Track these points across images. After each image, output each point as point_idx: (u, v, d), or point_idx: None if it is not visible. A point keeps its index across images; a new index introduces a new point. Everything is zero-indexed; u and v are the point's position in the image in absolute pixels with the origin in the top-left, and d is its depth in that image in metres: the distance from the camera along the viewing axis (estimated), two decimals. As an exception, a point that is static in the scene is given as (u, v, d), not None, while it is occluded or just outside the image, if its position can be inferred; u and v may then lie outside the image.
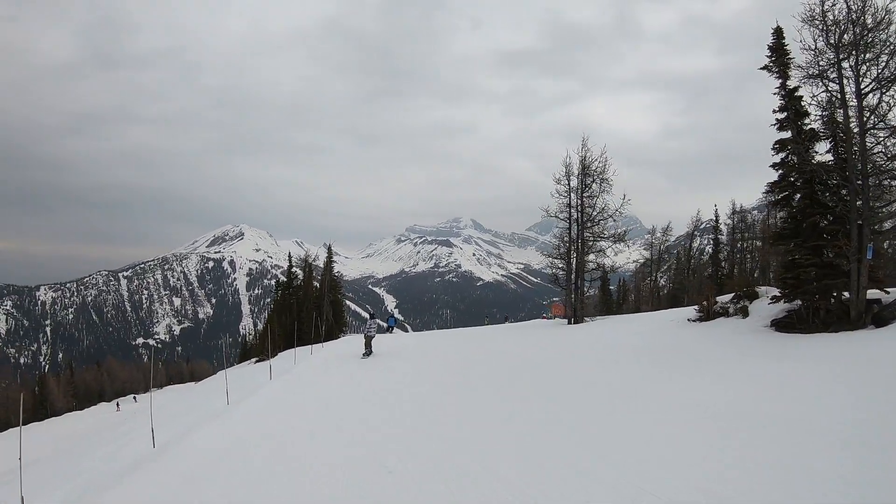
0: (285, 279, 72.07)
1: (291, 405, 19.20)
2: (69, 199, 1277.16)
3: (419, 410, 16.62)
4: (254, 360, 66.95)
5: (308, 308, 63.72)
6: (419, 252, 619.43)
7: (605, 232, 39.90)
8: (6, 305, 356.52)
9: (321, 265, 73.82)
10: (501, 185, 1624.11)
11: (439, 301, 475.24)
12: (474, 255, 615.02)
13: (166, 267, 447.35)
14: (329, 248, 74.71)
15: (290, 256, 74.97)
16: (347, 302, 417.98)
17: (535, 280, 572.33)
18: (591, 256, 40.13)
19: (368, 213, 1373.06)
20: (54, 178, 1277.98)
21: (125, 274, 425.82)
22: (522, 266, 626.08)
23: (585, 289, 41.26)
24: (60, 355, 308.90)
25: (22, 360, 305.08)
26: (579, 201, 38.96)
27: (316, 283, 70.86)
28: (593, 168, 38.10)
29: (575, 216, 39.51)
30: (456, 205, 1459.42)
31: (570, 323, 38.67)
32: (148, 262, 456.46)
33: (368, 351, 31.30)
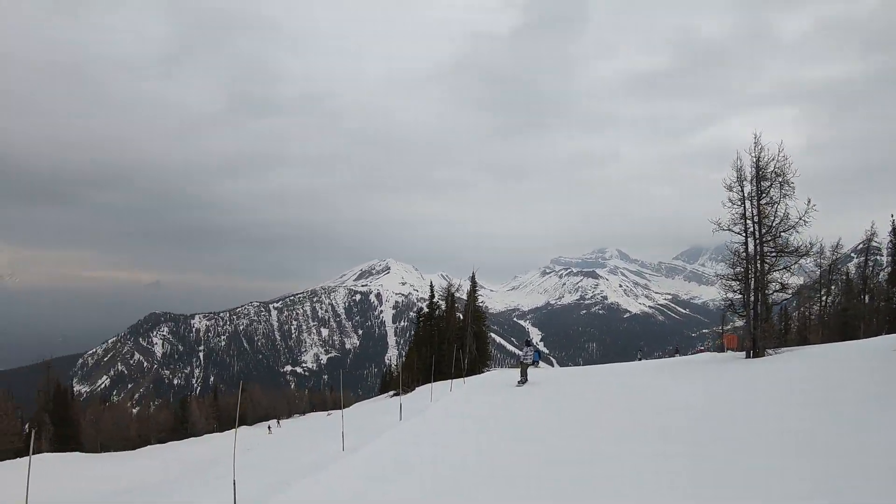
0: (427, 309, 69.23)
1: (412, 463, 14.37)
2: (224, 235, 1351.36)
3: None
4: (391, 393, 66.66)
5: (450, 340, 61.48)
6: (564, 284, 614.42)
7: (789, 245, 32.25)
8: (163, 331, 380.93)
9: (464, 296, 70.28)
10: (645, 213, 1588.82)
11: (585, 334, 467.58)
12: (620, 286, 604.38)
13: (315, 299, 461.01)
14: (473, 277, 69.79)
15: (431, 286, 71.64)
16: (493, 335, 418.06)
17: (684, 311, 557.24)
18: (776, 275, 32.62)
19: (512, 245, 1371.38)
20: (211, 217, 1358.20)
21: (276, 305, 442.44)
22: (670, 297, 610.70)
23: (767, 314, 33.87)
24: (212, 379, 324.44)
25: (175, 382, 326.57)
26: (755, 210, 31.70)
27: (459, 315, 67.22)
28: (770, 170, 30.99)
29: (751, 228, 32.27)
30: (600, 235, 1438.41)
31: (748, 356, 31.34)
32: (298, 294, 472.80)
33: (524, 379, 30.67)
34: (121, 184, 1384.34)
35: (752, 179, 31.87)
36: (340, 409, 31.11)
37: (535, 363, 46.40)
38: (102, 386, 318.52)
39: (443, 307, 68.05)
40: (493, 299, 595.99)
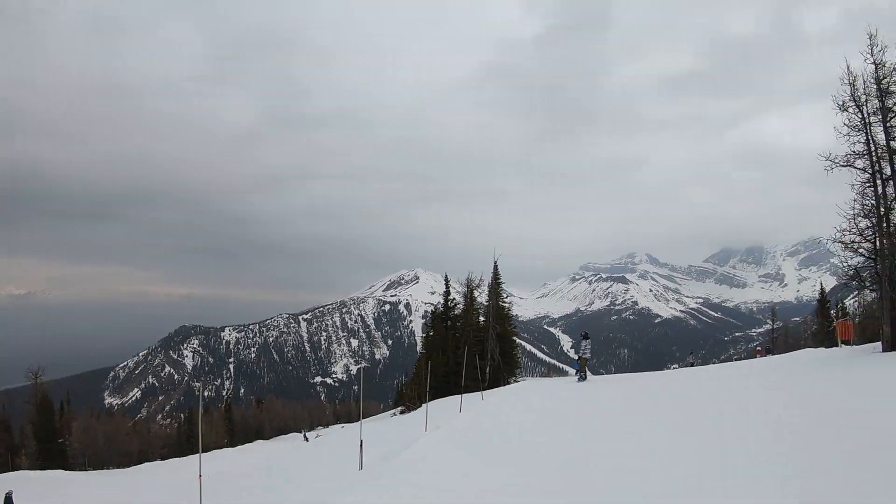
0: (442, 308, 58.87)
1: None
2: (256, 249, 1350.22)
3: None
4: (399, 409, 62.61)
5: (468, 343, 48.36)
6: (594, 290, 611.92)
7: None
8: (194, 344, 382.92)
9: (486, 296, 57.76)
10: (675, 215, 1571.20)
11: (616, 340, 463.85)
12: (651, 290, 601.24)
13: (344, 310, 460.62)
14: (495, 267, 56.44)
15: (446, 279, 59.75)
16: (522, 342, 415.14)
17: (716, 315, 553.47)
18: None
19: (542, 252, 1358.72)
20: (245, 231, 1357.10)
21: (305, 317, 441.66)
22: (702, 300, 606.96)
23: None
24: (242, 390, 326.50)
25: (206, 394, 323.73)
26: (886, 136, 22.06)
27: (481, 318, 56.83)
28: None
29: (883, 165, 22.27)
30: (630, 239, 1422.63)
31: (885, 349, 22.20)
32: (327, 305, 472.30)
33: (583, 375, 30.51)
34: (158, 201, 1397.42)
35: (876, 93, 22.33)
36: (360, 421, 27.14)
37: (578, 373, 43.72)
38: (133, 399, 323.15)
39: (461, 305, 58.22)
40: (523, 307, 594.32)
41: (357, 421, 58.97)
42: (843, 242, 23.74)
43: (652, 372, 56.12)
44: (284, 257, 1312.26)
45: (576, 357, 34.34)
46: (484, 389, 40.48)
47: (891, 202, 22.00)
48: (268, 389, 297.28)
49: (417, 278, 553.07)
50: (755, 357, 55.53)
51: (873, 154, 22.14)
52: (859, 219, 22.99)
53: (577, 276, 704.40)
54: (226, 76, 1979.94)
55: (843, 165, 22.86)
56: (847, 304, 69.93)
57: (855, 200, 23.01)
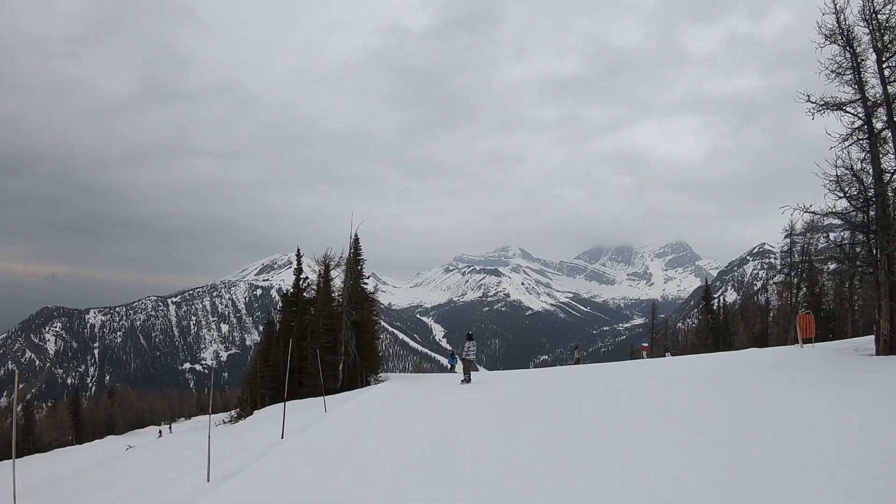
0: (291, 290, 48.63)
1: None
2: (123, 226, 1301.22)
3: None
4: (230, 414, 48.05)
5: (318, 334, 41.28)
6: (467, 281, 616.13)
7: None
8: (56, 327, 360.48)
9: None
10: (550, 213, 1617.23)
11: (488, 331, 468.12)
12: (523, 284, 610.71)
13: (215, 294, 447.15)
14: (355, 240, 46.05)
15: (298, 253, 48.57)
16: (396, 332, 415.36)
17: (585, 309, 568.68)
18: None
19: (418, 243, 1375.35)
20: (112, 207, 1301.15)
21: (174, 300, 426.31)
22: (572, 295, 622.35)
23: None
24: (108, 377, 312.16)
25: (69, 381, 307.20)
26: (881, 77, 17.83)
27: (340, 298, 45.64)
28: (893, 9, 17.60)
29: (878, 110, 18.03)
30: (504, 234, 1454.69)
31: (881, 352, 18.14)
32: (197, 288, 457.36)
33: (467, 378, 29.15)
34: (24, 171, 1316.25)
35: (870, 23, 18.00)
36: (209, 415, 20.99)
37: (451, 368, 43.29)
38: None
39: (314, 286, 47.42)
40: (397, 296, 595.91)
41: (218, 414, 58.59)
42: (836, 214, 18.97)
43: (543, 369, 54.13)
44: (155, 237, 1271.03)
45: (448, 351, 33.48)
46: (337, 391, 37.80)
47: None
48: (135, 377, 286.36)
49: (291, 263, 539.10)
50: (643, 355, 55.58)
51: (867, 100, 18.07)
52: (849, 183, 18.40)
53: (451, 267, 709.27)
54: (103, 40, 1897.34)
55: (833, 108, 18.49)
56: (769, 294, 71.95)
57: (838, 158, 18.60)
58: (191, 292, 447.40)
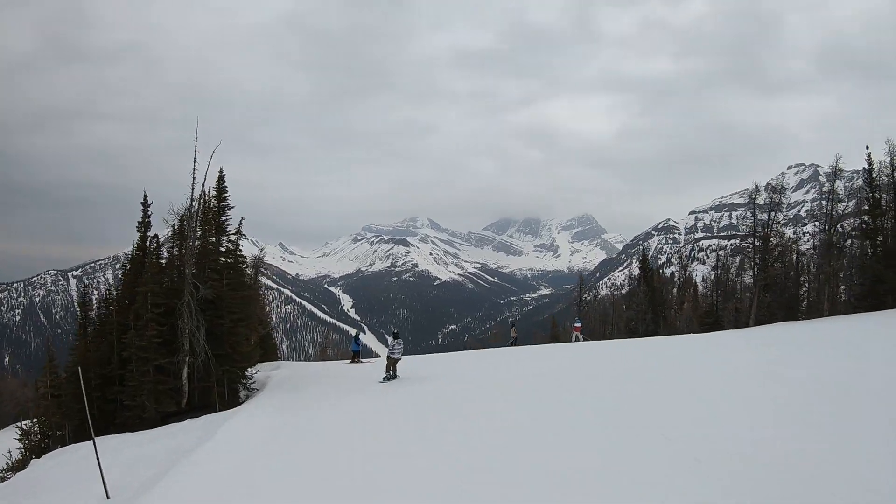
0: (135, 253, 34.10)
1: None
2: (23, 195, 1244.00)
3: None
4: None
5: (145, 323, 27.86)
6: (376, 251, 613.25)
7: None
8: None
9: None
10: (460, 185, 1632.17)
11: (396, 301, 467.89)
12: (431, 254, 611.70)
13: (118, 266, 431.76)
14: (220, 177, 32.58)
15: (145, 200, 32.39)
16: (303, 302, 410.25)
17: (493, 280, 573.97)
18: None
19: (327, 211, 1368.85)
20: (9, 175, 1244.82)
21: (75, 273, 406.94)
22: (479, 265, 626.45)
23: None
24: (7, 359, 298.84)
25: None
26: None
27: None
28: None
29: None
30: (414, 204, 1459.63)
31: None
32: (99, 261, 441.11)
33: (391, 374, 27.33)
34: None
35: None
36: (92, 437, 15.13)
37: (355, 356, 42.04)
38: None
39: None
40: (305, 265, 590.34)
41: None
42: None
43: (477, 352, 44.63)
44: (54, 206, 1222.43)
45: (353, 334, 31.63)
46: (180, 415, 27.53)
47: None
48: (35, 356, 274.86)
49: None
50: (574, 336, 48.10)
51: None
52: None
53: (359, 237, 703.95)
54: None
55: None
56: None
57: None
58: (93, 265, 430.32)
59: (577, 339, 47.25)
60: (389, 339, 29.46)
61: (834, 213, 47.43)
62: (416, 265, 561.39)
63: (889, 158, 42.24)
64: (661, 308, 66.11)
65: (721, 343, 30.56)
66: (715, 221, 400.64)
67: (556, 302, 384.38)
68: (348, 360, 42.97)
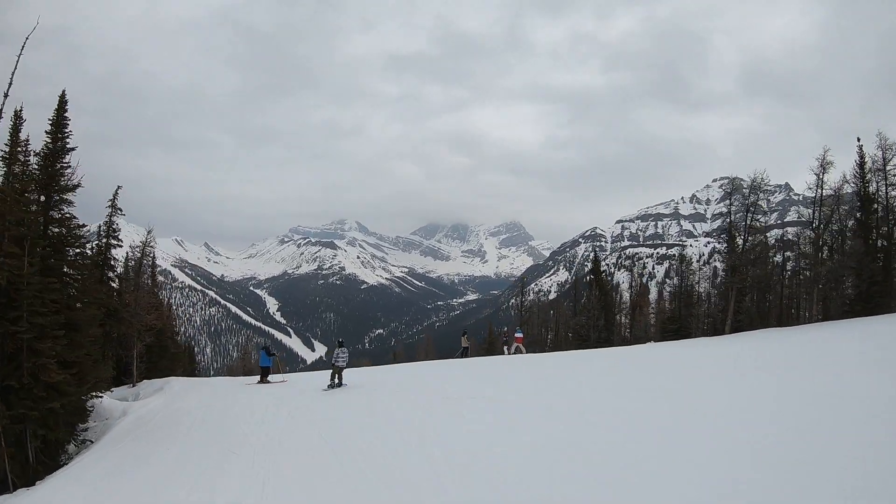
0: None
1: None
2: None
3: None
4: None
5: None
6: (302, 254, 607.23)
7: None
8: None
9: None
10: (387, 188, 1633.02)
11: (322, 304, 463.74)
12: (358, 257, 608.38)
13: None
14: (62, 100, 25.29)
15: None
16: (228, 304, 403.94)
17: (420, 284, 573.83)
18: None
19: (252, 212, 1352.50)
20: None
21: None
22: (407, 270, 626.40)
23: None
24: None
25: None
26: None
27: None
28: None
29: None
30: (341, 206, 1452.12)
31: None
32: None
33: (335, 382, 27.34)
34: None
35: None
36: None
37: (264, 372, 33.88)
38: None
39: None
40: (230, 267, 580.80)
41: None
42: None
43: (421, 364, 42.81)
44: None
45: (262, 344, 27.82)
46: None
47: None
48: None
49: (118, 230, 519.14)
50: (505, 348, 45.51)
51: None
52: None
53: (286, 239, 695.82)
54: None
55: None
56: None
57: None
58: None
59: (519, 351, 43.04)
60: (336, 350, 28.20)
61: (819, 215, 46.26)
62: (343, 268, 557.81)
63: (881, 152, 41.64)
64: (611, 314, 62.96)
65: (718, 355, 26.48)
66: (641, 230, 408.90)
67: (484, 307, 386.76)
68: (257, 380, 34.03)
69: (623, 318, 68.54)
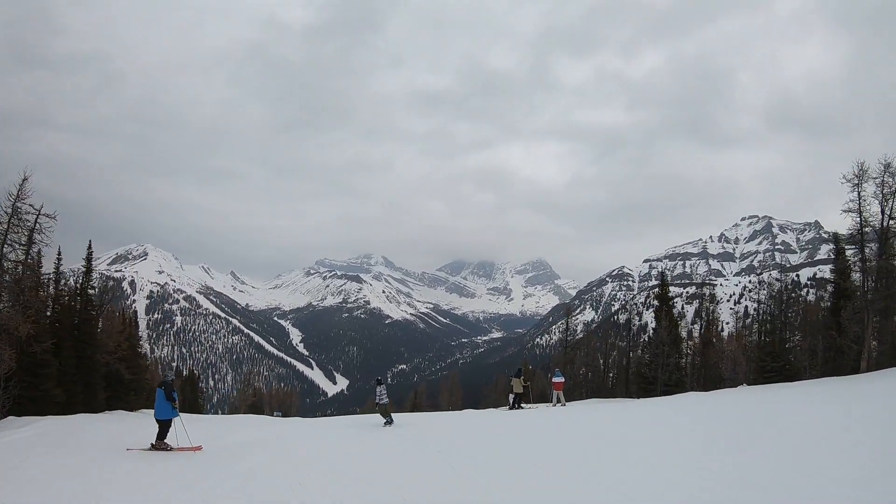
0: None
1: None
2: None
3: None
4: None
5: None
6: (328, 286, 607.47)
7: None
8: None
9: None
10: (414, 224, 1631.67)
11: (346, 337, 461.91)
12: (384, 292, 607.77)
13: (62, 283, 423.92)
14: None
15: None
16: (251, 333, 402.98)
17: (445, 321, 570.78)
18: None
19: (279, 243, 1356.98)
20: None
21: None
22: (432, 306, 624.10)
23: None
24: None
25: None
26: None
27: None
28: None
29: None
30: (367, 241, 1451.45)
31: None
32: (42, 276, 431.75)
33: (389, 420, 27.13)
34: None
35: None
36: None
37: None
38: None
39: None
40: (255, 296, 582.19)
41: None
42: None
43: (470, 414, 37.55)
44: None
45: (164, 387, 17.78)
46: None
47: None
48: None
49: (146, 254, 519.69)
50: (555, 397, 38.07)
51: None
52: None
53: (312, 271, 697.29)
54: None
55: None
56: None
57: None
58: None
59: (559, 401, 37.23)
60: (377, 388, 27.24)
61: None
62: (368, 302, 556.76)
63: None
64: (679, 351, 52.27)
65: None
66: (669, 270, 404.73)
67: (508, 345, 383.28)
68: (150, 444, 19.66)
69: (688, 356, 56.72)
